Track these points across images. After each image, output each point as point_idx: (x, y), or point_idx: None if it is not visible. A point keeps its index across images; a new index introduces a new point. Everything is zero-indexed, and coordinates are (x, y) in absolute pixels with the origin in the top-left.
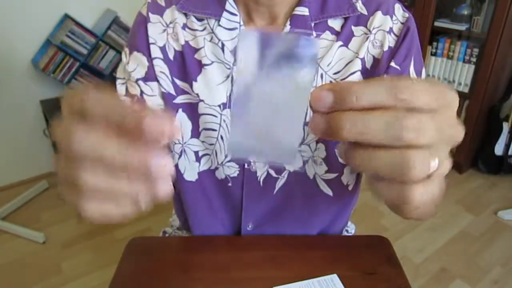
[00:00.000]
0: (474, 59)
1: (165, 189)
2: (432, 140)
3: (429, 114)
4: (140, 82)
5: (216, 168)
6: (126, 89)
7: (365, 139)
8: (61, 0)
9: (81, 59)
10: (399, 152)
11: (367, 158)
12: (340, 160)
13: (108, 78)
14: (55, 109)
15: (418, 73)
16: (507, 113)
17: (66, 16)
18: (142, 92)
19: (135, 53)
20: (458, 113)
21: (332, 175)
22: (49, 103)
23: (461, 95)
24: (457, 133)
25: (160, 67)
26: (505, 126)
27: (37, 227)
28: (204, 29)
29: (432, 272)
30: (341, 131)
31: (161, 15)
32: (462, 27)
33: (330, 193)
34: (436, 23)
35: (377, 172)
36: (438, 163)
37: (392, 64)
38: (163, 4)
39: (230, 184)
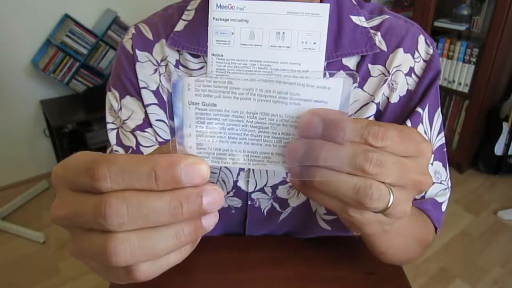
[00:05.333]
0: (474, 59)
1: (212, 222)
2: (396, 181)
3: (397, 157)
4: (137, 132)
5: None
6: (118, 136)
7: (332, 166)
8: (61, 0)
9: (81, 59)
10: (361, 178)
11: (329, 176)
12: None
13: (108, 78)
14: (55, 109)
15: (431, 118)
16: (507, 113)
17: (66, 16)
18: (138, 144)
19: (128, 97)
20: (458, 113)
21: (331, 217)
22: (49, 103)
23: (461, 95)
24: (425, 181)
25: (157, 114)
26: (505, 126)
27: (37, 227)
28: (202, 67)
29: (432, 272)
30: (317, 159)
31: (150, 52)
32: (462, 27)
33: (329, 228)
34: (436, 23)
35: (334, 192)
36: (395, 201)
37: (418, 109)
38: (150, 37)
39: (233, 211)
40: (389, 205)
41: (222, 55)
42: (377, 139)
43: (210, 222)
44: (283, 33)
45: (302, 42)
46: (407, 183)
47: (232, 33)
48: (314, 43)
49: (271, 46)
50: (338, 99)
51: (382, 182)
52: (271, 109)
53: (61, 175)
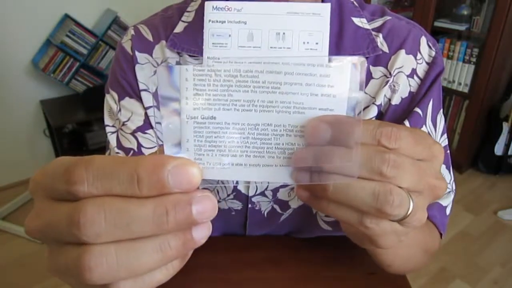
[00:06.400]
0: (474, 59)
1: (204, 234)
2: (413, 185)
3: (413, 160)
4: (138, 134)
5: (218, 201)
6: (118, 139)
7: (346, 172)
8: (61, 0)
9: (81, 59)
10: (380, 183)
11: (344, 185)
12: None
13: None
14: (55, 109)
15: (434, 119)
16: (507, 113)
17: (66, 16)
18: (140, 145)
19: (127, 99)
20: (458, 113)
21: (332, 218)
22: (49, 103)
23: (461, 95)
24: (440, 185)
25: (157, 117)
26: (505, 126)
27: None
28: None
29: (432, 272)
30: (329, 165)
31: (150, 54)
32: (462, 27)
33: (329, 229)
34: (436, 23)
35: (350, 200)
36: (414, 208)
37: (417, 110)
38: (150, 38)
39: (233, 213)
40: (409, 212)
41: (218, 58)
42: (390, 140)
43: (201, 234)
44: (284, 33)
45: (304, 42)
46: (423, 187)
47: (229, 35)
48: (317, 43)
49: (271, 47)
50: (345, 105)
51: (400, 187)
52: (274, 119)
53: (38, 182)
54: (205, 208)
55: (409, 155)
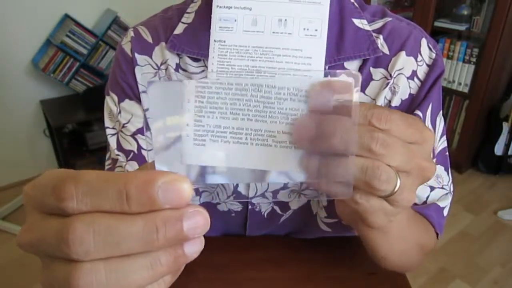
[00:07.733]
0: (474, 59)
1: (197, 249)
2: (402, 165)
3: (402, 141)
4: (138, 136)
5: (218, 203)
6: (118, 141)
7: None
8: (61, 0)
9: (81, 59)
10: (369, 159)
11: (335, 160)
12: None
13: (108, 78)
14: (55, 109)
15: (434, 121)
16: (507, 113)
17: (66, 16)
18: (140, 147)
19: (127, 101)
20: (458, 113)
21: (331, 220)
22: (49, 103)
23: (461, 95)
24: (430, 167)
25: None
26: (505, 126)
27: None
28: (202, 71)
29: (432, 272)
30: (333, 138)
31: (150, 56)
32: (462, 27)
33: (329, 230)
34: (436, 23)
35: (341, 176)
36: (401, 185)
37: (417, 112)
38: (150, 40)
39: (233, 215)
40: (396, 189)
41: (224, 41)
42: (381, 121)
43: (193, 249)
44: (285, 20)
45: (304, 29)
46: (413, 168)
47: (235, 20)
48: (316, 30)
49: (273, 32)
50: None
51: (389, 166)
52: (278, 81)
53: (30, 196)
54: (197, 223)
55: (400, 137)
